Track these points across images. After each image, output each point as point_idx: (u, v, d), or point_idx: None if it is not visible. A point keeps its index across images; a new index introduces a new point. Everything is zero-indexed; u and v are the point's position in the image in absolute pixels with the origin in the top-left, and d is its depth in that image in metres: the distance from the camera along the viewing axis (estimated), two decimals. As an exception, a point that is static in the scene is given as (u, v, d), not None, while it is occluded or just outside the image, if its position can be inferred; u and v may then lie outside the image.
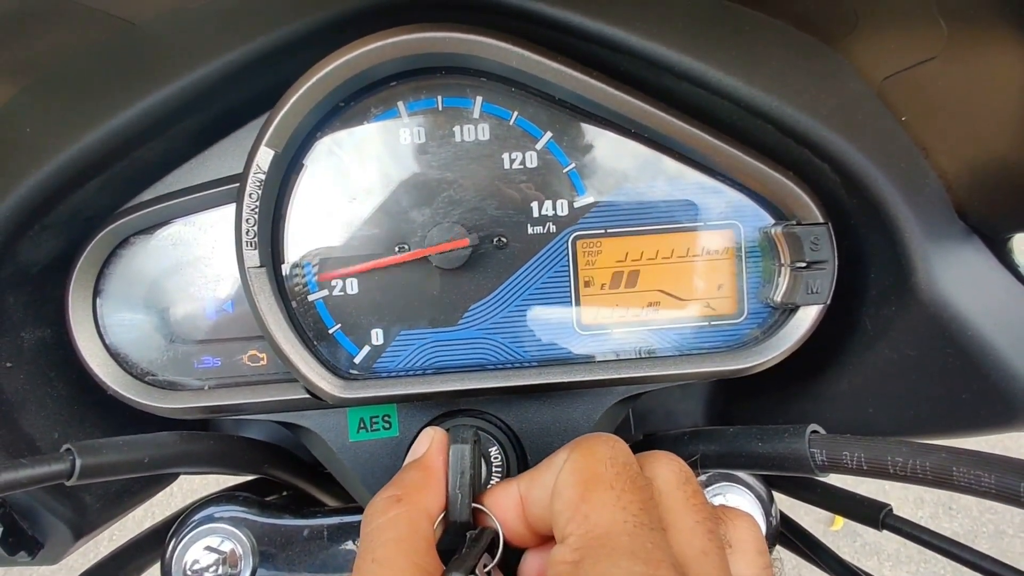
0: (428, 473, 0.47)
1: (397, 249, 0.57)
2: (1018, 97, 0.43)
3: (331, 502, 0.77)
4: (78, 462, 0.45)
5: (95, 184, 0.56)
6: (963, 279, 0.52)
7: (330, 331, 0.58)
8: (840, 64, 0.53)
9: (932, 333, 0.53)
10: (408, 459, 0.51)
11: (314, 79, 0.52)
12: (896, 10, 0.45)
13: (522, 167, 0.57)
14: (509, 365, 0.59)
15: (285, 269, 0.57)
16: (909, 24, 0.45)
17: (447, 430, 0.62)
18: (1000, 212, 0.50)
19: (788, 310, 0.59)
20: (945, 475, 0.39)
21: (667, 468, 0.41)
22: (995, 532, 2.51)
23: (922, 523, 0.60)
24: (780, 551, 0.70)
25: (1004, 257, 0.52)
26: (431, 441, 0.49)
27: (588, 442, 0.42)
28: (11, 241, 0.53)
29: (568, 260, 0.59)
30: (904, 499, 2.59)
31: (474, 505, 0.52)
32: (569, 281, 0.59)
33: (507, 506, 0.45)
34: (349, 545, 0.67)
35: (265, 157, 0.53)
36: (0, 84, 0.52)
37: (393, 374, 0.59)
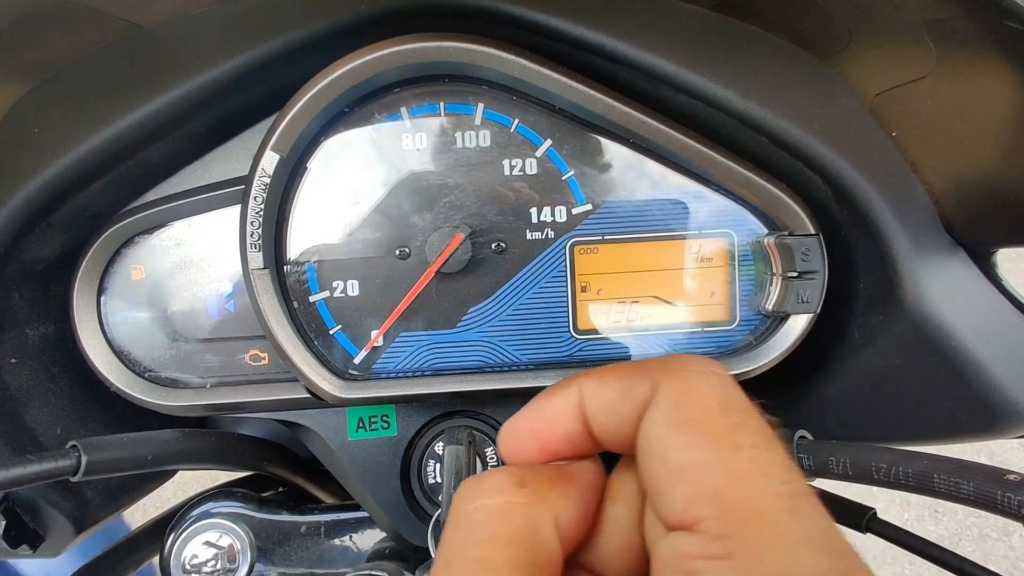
0: (573, 477, 0.33)
1: (398, 253, 0.58)
2: (1003, 118, 0.44)
3: (327, 499, 0.78)
4: (84, 459, 0.46)
5: (101, 184, 0.56)
6: (948, 291, 0.53)
7: (331, 332, 0.59)
8: (833, 80, 0.54)
9: (917, 342, 0.54)
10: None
11: (320, 85, 0.53)
12: (887, 30, 0.47)
13: (522, 174, 0.59)
14: (506, 368, 0.60)
15: (287, 270, 0.58)
16: (900, 44, 0.47)
17: (442, 432, 0.64)
18: (985, 227, 0.52)
19: (779, 318, 0.60)
20: (926, 481, 0.41)
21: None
22: (979, 535, 2.54)
23: (908, 525, 0.61)
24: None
25: (988, 271, 0.54)
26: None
27: (682, 376, 0.30)
28: (17, 238, 0.54)
29: (565, 265, 0.60)
30: (891, 501, 2.62)
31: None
32: (566, 286, 0.60)
33: (566, 416, 0.33)
34: (346, 541, 0.68)
35: (270, 161, 0.54)
36: (10, 85, 0.53)
37: (392, 375, 0.60)
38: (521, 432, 0.34)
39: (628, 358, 0.61)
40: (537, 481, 0.31)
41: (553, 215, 0.59)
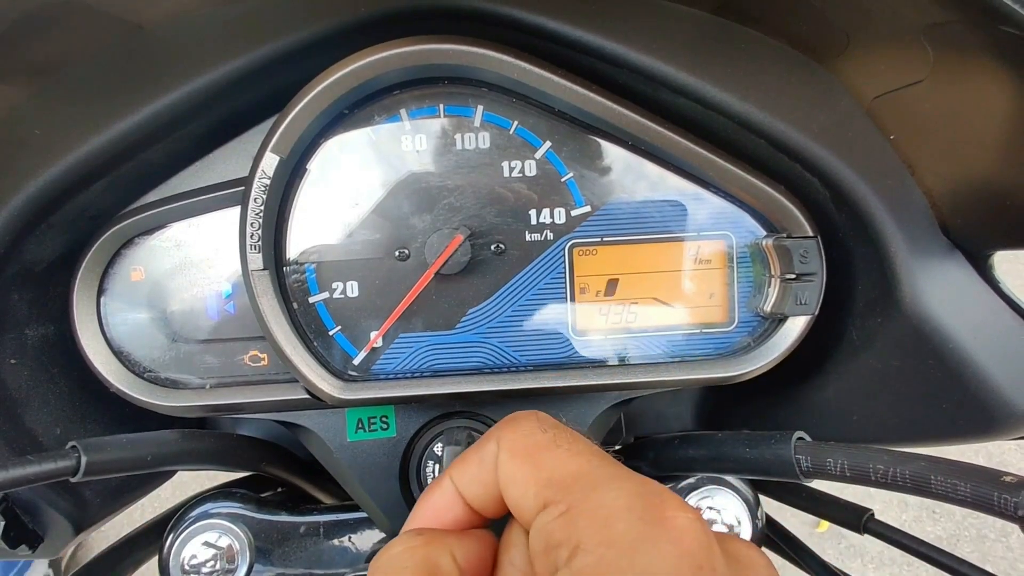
0: (466, 531, 0.41)
1: (397, 254, 0.58)
2: (1000, 122, 0.44)
3: (326, 499, 0.78)
4: (83, 459, 0.46)
5: (101, 184, 0.57)
6: (946, 293, 0.54)
7: (330, 333, 0.59)
8: (832, 83, 0.54)
9: (915, 344, 0.54)
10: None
11: (320, 87, 0.53)
12: (884, 34, 0.47)
13: (521, 175, 0.59)
14: (505, 369, 0.60)
15: (287, 272, 0.58)
16: (897, 48, 0.47)
17: (441, 433, 0.64)
18: (982, 230, 0.52)
19: (777, 319, 0.60)
20: (923, 483, 0.41)
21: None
22: (977, 536, 2.55)
23: (906, 526, 0.62)
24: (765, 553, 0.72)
25: (985, 273, 0.54)
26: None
27: (511, 424, 0.40)
28: (17, 239, 0.54)
29: (564, 267, 0.60)
30: (889, 502, 2.62)
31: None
32: (565, 288, 0.60)
33: (449, 504, 0.41)
34: (345, 542, 0.68)
35: (270, 163, 0.54)
36: (10, 85, 0.53)
37: (391, 376, 0.60)
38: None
39: (626, 359, 0.61)
40: (431, 530, 0.40)
41: (552, 217, 0.59)
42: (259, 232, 0.55)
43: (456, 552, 0.38)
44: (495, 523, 0.42)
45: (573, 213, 0.59)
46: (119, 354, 0.61)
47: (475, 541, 0.40)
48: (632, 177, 0.60)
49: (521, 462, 0.37)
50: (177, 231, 0.61)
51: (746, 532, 0.65)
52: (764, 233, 0.60)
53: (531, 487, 0.36)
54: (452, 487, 0.41)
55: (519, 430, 0.39)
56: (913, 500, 2.60)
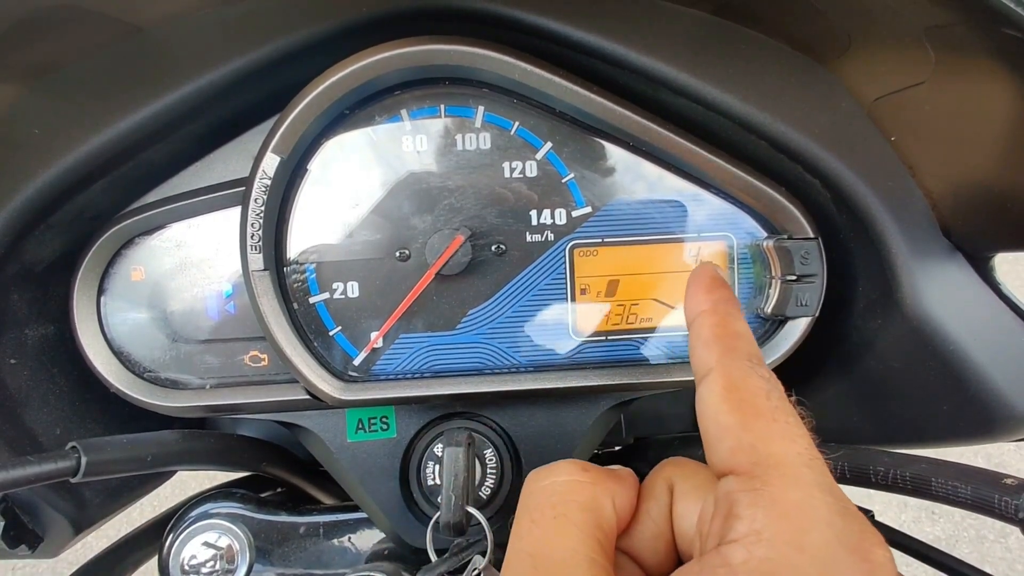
0: (621, 474, 0.42)
1: (398, 255, 0.58)
2: (1001, 124, 0.44)
3: (326, 500, 0.78)
4: (83, 460, 0.46)
5: (101, 185, 0.56)
6: (946, 295, 0.54)
7: (330, 333, 0.59)
8: (833, 84, 0.54)
9: (915, 346, 0.54)
10: None
11: (321, 88, 0.53)
12: (886, 35, 0.47)
13: (522, 176, 0.59)
14: (505, 370, 0.60)
15: (287, 272, 0.58)
16: (899, 49, 0.47)
17: (441, 433, 0.64)
18: (983, 232, 0.52)
19: (778, 321, 0.60)
20: (924, 485, 0.41)
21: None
22: (976, 537, 2.55)
23: (905, 527, 0.61)
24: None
25: (986, 275, 0.54)
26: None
27: (739, 367, 0.38)
28: (17, 239, 0.54)
29: (565, 268, 0.60)
30: (888, 503, 2.62)
31: (467, 509, 0.53)
32: (565, 288, 0.60)
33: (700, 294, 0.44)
34: (345, 542, 0.68)
35: (271, 163, 0.54)
36: (10, 86, 0.53)
37: (391, 377, 0.60)
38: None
39: (628, 360, 0.61)
40: (596, 470, 0.40)
41: (553, 217, 0.59)
42: (260, 232, 0.55)
43: (616, 498, 0.39)
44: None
45: (574, 214, 0.59)
46: (119, 354, 0.61)
47: (629, 489, 0.40)
48: (633, 178, 0.60)
49: (729, 409, 0.36)
50: (177, 231, 0.61)
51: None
52: (765, 234, 0.60)
53: (728, 440, 0.35)
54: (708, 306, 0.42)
55: (745, 380, 0.37)
56: (912, 501, 2.59)
